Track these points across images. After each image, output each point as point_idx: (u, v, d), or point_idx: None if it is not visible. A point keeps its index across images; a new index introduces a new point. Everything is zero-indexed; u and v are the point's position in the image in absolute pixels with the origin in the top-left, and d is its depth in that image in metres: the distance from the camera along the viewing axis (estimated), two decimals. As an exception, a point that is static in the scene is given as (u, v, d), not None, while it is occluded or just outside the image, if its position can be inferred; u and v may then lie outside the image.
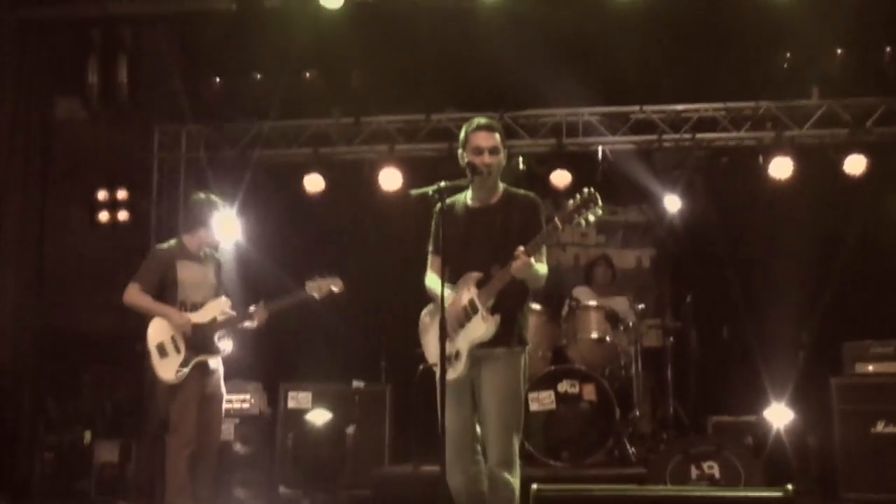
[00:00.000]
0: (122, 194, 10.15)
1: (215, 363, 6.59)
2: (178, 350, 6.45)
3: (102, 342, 9.48)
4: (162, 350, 6.44)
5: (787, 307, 8.78)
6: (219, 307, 6.63)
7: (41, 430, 9.15)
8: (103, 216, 10.15)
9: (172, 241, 6.78)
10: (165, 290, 6.53)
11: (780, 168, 9.04)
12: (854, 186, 9.03)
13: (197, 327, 6.48)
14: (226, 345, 6.66)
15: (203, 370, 6.50)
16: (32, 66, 10.23)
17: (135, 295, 6.50)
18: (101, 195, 10.16)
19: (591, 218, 4.88)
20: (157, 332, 6.47)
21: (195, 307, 6.55)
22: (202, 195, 6.89)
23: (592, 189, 4.88)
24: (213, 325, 6.55)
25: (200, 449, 6.43)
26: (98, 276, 9.73)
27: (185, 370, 6.40)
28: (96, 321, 9.57)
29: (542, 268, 5.06)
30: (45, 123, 10.44)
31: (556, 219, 4.90)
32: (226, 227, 8.02)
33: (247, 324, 6.64)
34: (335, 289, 6.61)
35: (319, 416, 8.36)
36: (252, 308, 6.60)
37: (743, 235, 9.45)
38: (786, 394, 7.95)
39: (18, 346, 9.83)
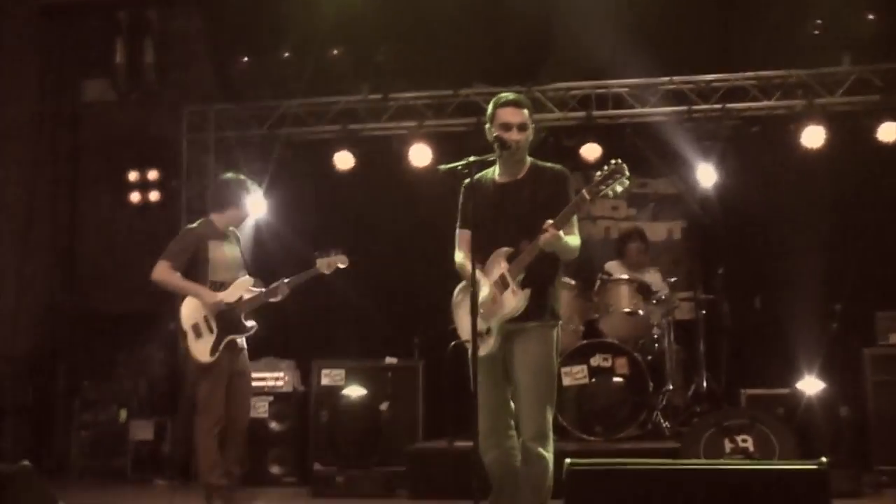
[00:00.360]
0: (152, 175, 10.23)
1: (242, 341, 6.65)
2: (211, 330, 6.49)
3: (136, 322, 9.56)
4: (197, 331, 6.49)
5: (820, 277, 8.66)
6: (244, 286, 6.67)
7: (77, 410, 9.26)
8: (134, 197, 10.23)
9: (201, 221, 6.80)
10: (195, 270, 6.56)
11: (812, 136, 8.93)
12: (887, 154, 8.90)
13: (227, 306, 6.53)
14: (250, 323, 6.69)
15: (233, 349, 6.55)
16: (59, 51, 10.31)
17: (165, 272, 6.53)
18: (132, 176, 10.24)
19: (619, 188, 4.88)
20: (191, 312, 6.52)
21: (223, 286, 6.59)
22: (231, 175, 6.93)
23: (619, 160, 4.87)
24: (240, 304, 6.59)
25: (230, 426, 6.49)
26: (130, 257, 9.83)
27: (220, 350, 6.45)
28: (129, 301, 9.66)
29: (573, 240, 5.03)
30: (73, 107, 10.53)
31: (584, 190, 4.89)
32: (253, 206, 8.05)
33: (272, 299, 6.69)
34: (341, 265, 6.71)
35: (356, 391, 8.38)
36: (277, 283, 6.66)
37: (774, 205, 9.32)
38: (818, 365, 7.86)
39: (53, 327, 9.95)
